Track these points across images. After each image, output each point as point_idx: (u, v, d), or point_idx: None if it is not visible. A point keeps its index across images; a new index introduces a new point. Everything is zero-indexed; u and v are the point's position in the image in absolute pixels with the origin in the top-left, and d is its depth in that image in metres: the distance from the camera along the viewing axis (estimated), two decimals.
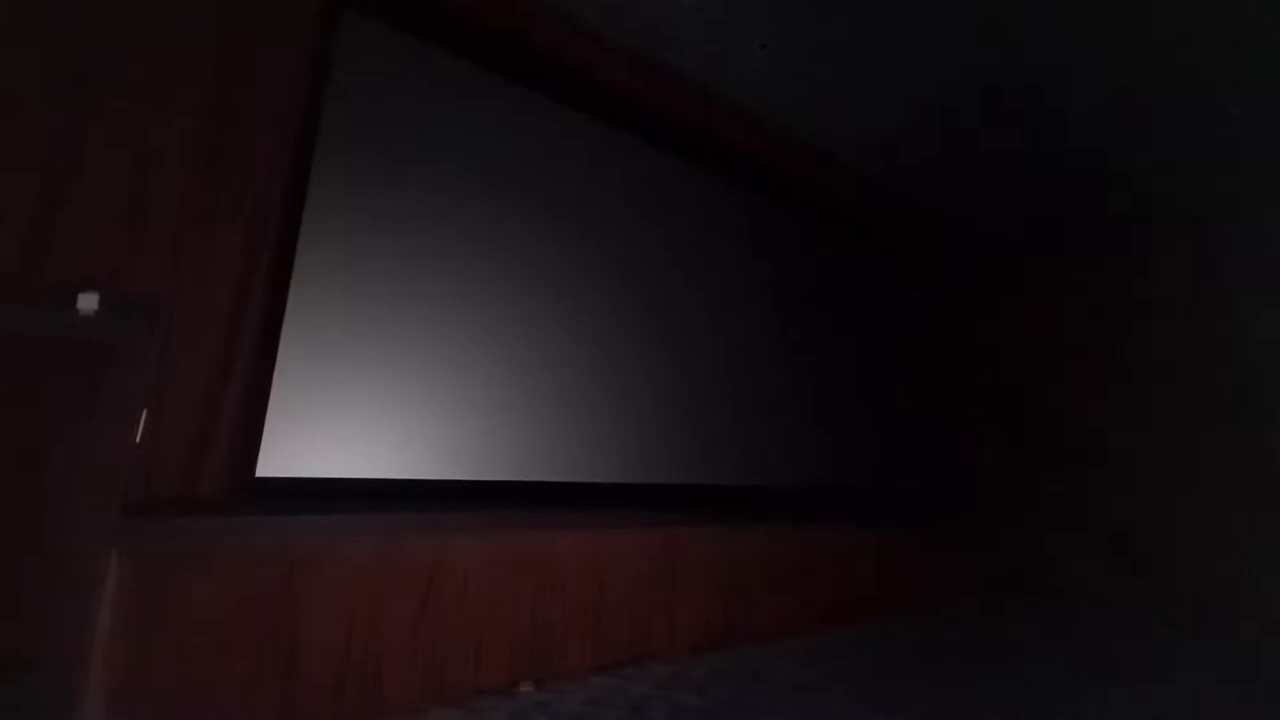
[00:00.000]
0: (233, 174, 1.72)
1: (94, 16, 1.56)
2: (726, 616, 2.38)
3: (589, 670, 1.92)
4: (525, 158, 2.24)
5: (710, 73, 2.76)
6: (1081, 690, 2.11)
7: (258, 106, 1.77)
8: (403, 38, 2.00)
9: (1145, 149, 3.30)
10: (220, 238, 1.68)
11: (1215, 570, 3.55)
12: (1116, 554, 3.85)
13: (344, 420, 1.68)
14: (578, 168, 2.40)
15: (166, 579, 1.36)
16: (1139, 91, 2.83)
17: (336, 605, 1.54)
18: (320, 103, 1.84)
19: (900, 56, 2.66)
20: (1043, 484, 4.26)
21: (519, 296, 2.10)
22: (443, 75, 2.08)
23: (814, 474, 3.07)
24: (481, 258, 2.03)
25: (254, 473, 1.54)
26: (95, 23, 1.56)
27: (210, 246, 1.66)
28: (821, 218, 3.58)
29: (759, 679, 1.98)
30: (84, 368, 1.42)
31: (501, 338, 2.03)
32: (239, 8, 1.79)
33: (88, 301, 1.44)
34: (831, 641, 2.56)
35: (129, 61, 1.59)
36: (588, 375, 2.23)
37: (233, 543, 1.45)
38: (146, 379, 1.49)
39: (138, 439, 1.45)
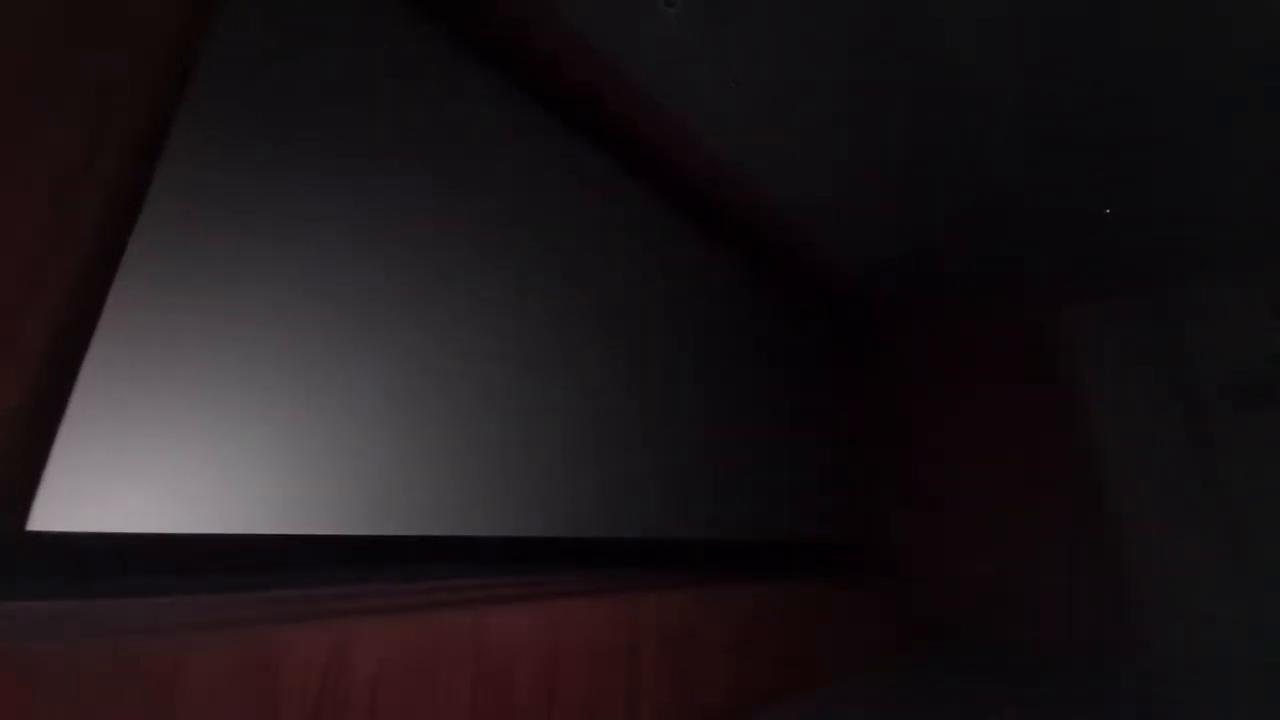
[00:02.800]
0: (71, 94, 1.21)
1: None
2: (689, 699, 1.99)
3: None
4: (453, 145, 1.88)
5: (674, 96, 2.61)
6: None
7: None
8: None
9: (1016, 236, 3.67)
10: (25, 171, 1.15)
11: (1062, 622, 3.76)
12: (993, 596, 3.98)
13: (162, 456, 1.15)
14: (512, 161, 2.07)
15: None
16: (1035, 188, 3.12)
17: None
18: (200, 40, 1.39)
19: (859, 124, 2.72)
20: (914, 533, 4.36)
21: (412, 313, 1.66)
22: (365, 28, 1.71)
23: (703, 525, 2.72)
24: (364, 265, 1.59)
25: (24, 524, 0.98)
26: None
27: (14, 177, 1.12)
28: (749, 263, 3.52)
29: None
30: None
31: (382, 359, 1.56)
32: None
33: None
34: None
35: None
36: (481, 411, 1.78)
37: None
38: None
39: None
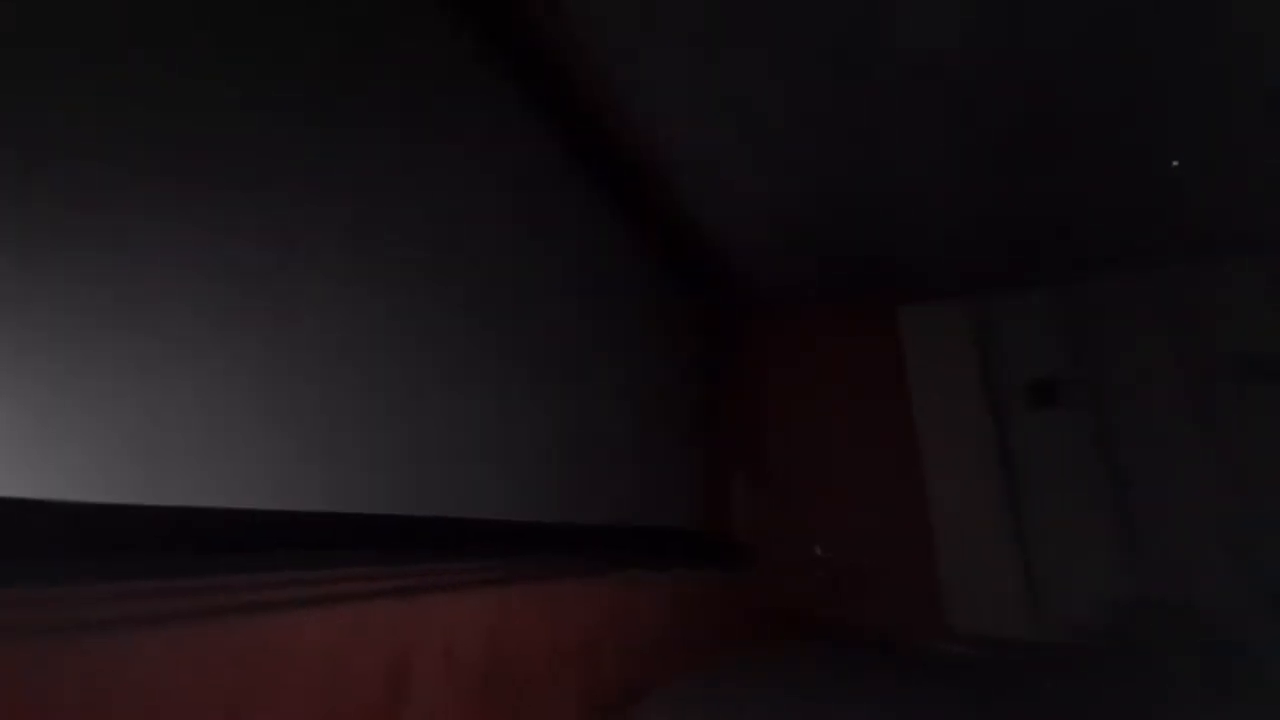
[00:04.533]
0: None
1: None
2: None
3: None
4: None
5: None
6: None
7: None
8: None
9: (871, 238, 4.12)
10: None
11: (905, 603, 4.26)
12: (828, 580, 4.44)
13: None
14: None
15: None
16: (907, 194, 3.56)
17: None
18: None
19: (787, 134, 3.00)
20: (780, 522, 4.74)
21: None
22: None
23: (565, 511, 2.60)
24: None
25: None
26: None
27: None
28: (623, 244, 3.53)
29: None
30: None
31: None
32: None
33: None
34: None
35: None
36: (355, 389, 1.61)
37: None
38: None
39: None
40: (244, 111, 1.46)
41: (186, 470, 1.22)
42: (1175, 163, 3.23)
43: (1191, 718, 2.42)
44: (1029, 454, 4.21)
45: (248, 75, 1.48)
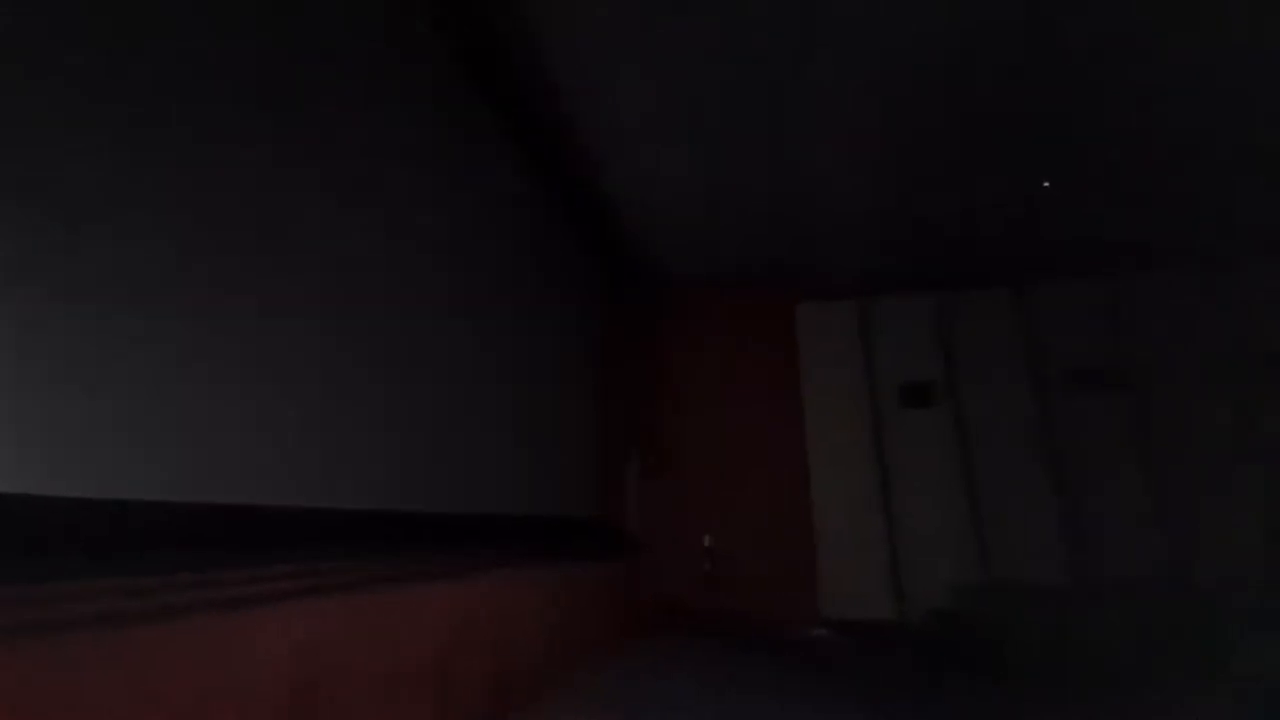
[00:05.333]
0: None
1: None
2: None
3: None
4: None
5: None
6: None
7: None
8: None
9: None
10: None
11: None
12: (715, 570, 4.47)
13: None
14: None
15: None
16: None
17: None
18: None
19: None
20: (672, 512, 4.71)
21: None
22: None
23: (457, 500, 2.41)
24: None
25: None
26: None
27: None
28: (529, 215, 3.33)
29: None
30: None
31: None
32: None
33: None
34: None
35: None
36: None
37: None
38: None
39: None
40: None
41: None
42: (1046, 183, 3.54)
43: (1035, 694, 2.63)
44: (901, 451, 4.47)
45: None
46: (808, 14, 2.42)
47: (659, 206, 3.99)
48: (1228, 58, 2.61)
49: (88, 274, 1.18)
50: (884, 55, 2.65)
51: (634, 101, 2.98)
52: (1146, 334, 4.25)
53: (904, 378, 4.59)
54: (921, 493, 4.34)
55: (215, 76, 1.48)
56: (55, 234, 1.13)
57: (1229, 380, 4.00)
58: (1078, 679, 2.83)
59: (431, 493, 2.22)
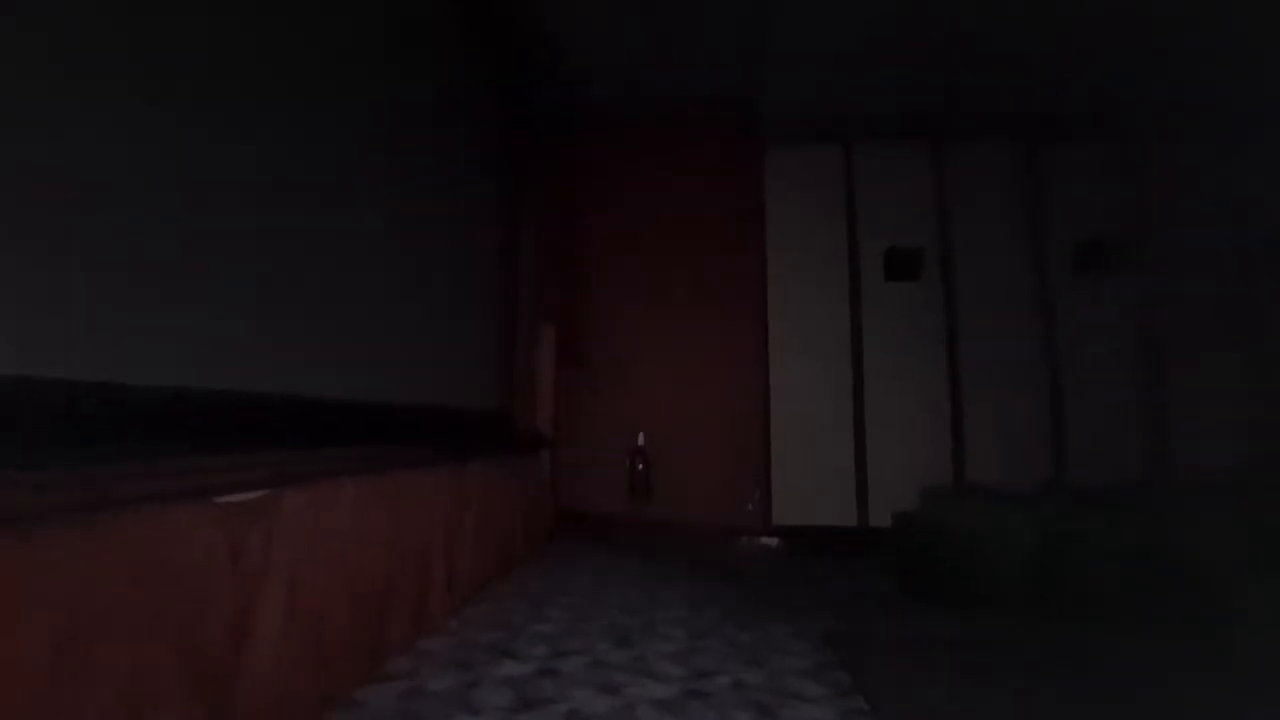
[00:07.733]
0: None
1: None
2: None
3: None
4: None
5: None
6: None
7: None
8: None
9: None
10: None
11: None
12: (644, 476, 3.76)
13: None
14: None
15: None
16: None
17: None
18: None
19: None
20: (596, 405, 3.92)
21: None
22: None
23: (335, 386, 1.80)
24: None
25: None
26: None
27: None
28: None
29: None
30: None
31: None
32: None
33: None
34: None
35: None
36: None
37: None
38: None
39: None
40: None
41: None
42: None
43: None
44: (878, 333, 3.83)
45: None
46: None
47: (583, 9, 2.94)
48: None
49: None
50: None
51: None
52: (1169, 208, 3.61)
53: (891, 242, 3.86)
54: (900, 379, 3.78)
55: None
56: None
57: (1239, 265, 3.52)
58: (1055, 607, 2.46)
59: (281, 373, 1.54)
